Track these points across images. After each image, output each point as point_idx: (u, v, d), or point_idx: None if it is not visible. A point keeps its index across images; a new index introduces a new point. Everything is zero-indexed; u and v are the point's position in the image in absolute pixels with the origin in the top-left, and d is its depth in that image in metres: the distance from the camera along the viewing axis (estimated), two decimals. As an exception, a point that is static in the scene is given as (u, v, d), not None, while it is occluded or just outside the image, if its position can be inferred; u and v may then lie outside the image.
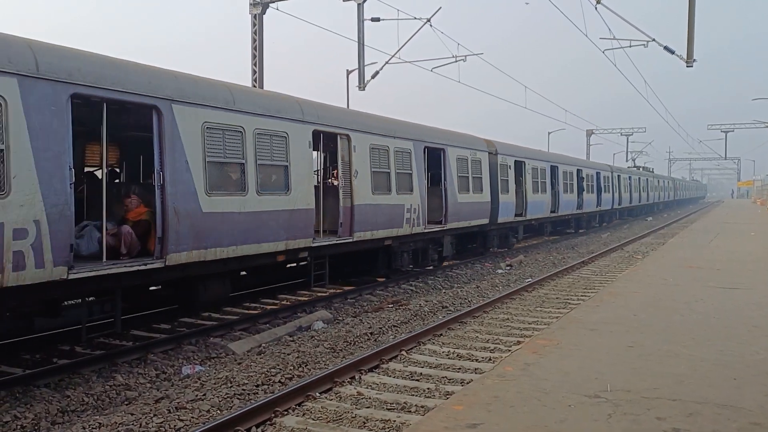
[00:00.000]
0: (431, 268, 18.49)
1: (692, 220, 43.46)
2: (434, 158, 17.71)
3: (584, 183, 33.15)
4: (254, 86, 19.00)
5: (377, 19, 22.99)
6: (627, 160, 72.84)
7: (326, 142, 13.94)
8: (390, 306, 13.25)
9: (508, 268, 19.82)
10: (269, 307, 13.08)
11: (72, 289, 8.30)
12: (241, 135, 10.61)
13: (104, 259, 8.80)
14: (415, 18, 22.46)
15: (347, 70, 31.42)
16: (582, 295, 13.83)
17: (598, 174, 36.60)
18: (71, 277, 7.89)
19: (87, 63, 8.25)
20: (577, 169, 32.20)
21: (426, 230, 16.82)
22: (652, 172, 66.35)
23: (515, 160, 23.44)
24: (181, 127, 9.43)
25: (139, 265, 8.95)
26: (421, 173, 16.39)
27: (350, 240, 13.71)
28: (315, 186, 12.92)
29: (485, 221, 20.70)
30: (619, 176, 42.99)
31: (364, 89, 24.24)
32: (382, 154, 14.76)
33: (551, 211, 27.99)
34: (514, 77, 33.01)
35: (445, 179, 17.74)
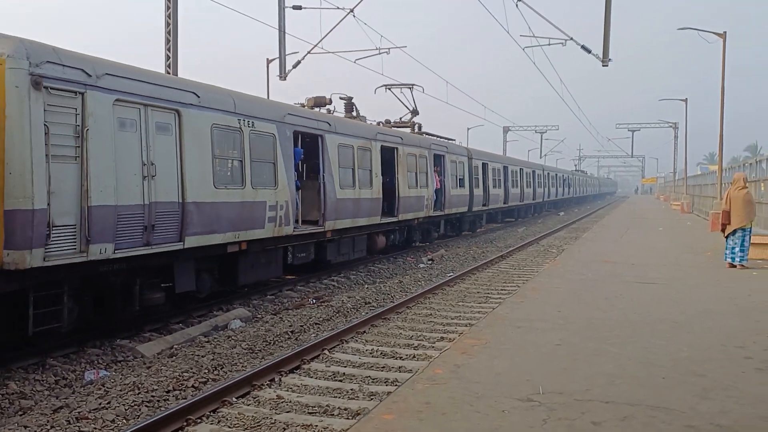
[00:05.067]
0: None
1: (601, 216, 45.07)
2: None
3: (557, 182, 54.22)
4: (168, 72, 18.01)
5: (299, 8, 22.42)
6: (541, 157, 75.63)
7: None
8: (312, 302, 12.85)
9: (430, 262, 19.76)
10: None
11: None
12: None
13: None
14: (338, 8, 21.96)
15: (267, 59, 30.40)
16: (501, 289, 13.87)
17: (565, 177, 61.68)
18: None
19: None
20: (557, 173, 56.16)
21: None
22: (586, 173, 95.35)
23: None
24: None
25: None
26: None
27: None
28: None
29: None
30: (570, 177, 66.54)
31: (285, 79, 23.61)
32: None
33: (546, 198, 49.33)
34: (436, 72, 33.06)
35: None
